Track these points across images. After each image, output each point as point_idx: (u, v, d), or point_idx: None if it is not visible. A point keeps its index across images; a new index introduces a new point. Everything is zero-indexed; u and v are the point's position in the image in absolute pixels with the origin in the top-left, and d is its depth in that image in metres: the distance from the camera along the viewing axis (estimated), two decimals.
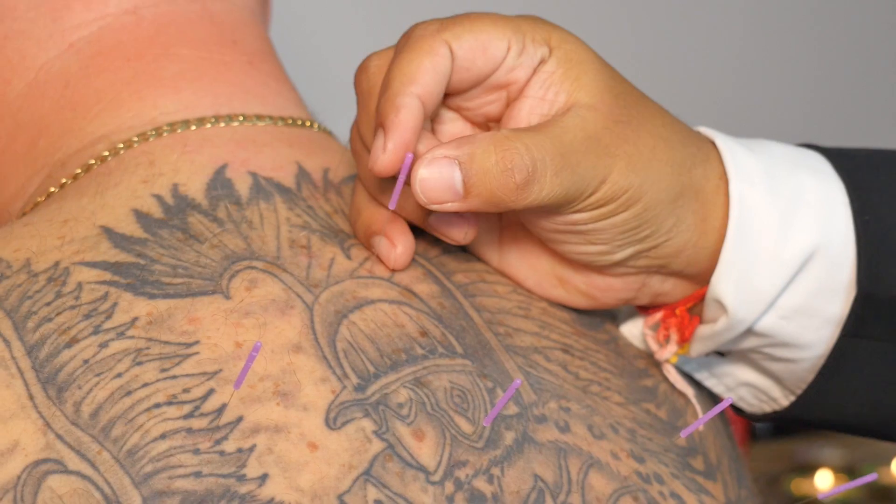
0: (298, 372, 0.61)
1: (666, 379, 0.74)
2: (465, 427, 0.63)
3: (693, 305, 0.72)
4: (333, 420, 0.60)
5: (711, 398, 0.77)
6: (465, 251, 0.72)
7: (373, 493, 0.59)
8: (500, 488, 0.62)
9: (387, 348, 0.64)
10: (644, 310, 0.74)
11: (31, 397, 0.59)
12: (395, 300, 0.66)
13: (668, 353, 0.72)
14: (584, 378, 0.69)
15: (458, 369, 0.65)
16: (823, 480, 1.68)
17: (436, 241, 0.70)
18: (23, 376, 0.60)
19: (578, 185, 0.63)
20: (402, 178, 0.63)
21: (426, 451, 0.61)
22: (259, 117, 0.73)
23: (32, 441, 0.58)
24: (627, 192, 0.65)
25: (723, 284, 0.68)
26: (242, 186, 0.68)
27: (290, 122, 0.74)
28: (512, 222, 0.71)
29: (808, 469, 1.71)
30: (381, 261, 0.67)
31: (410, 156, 0.63)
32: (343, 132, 0.74)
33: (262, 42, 0.78)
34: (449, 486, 0.61)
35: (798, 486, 1.69)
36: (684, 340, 0.72)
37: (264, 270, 0.65)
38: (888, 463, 1.68)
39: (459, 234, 0.67)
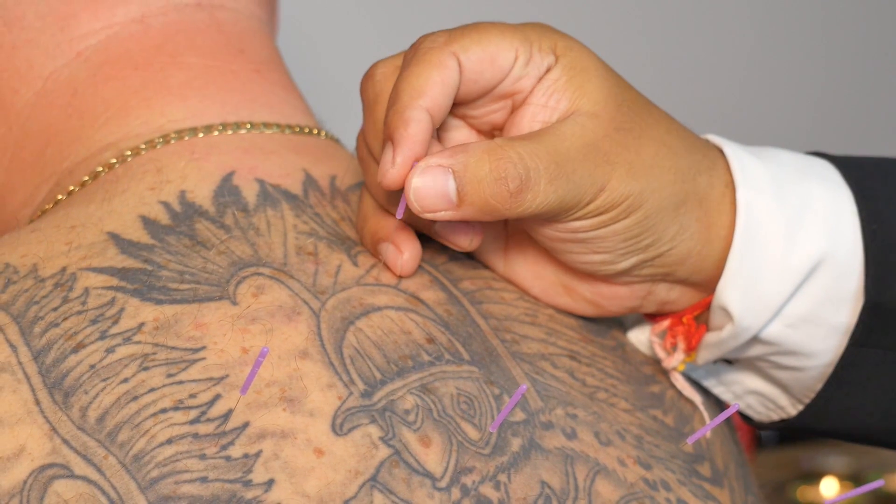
0: (305, 378, 0.61)
1: (673, 385, 0.74)
2: (472, 433, 0.63)
3: (700, 313, 0.72)
4: (340, 426, 0.60)
5: (718, 405, 0.77)
6: (471, 258, 0.72)
7: (379, 499, 0.59)
8: (507, 495, 0.62)
9: (393, 355, 0.64)
10: (651, 317, 0.74)
11: (38, 402, 0.59)
12: (401, 307, 0.66)
13: (675, 360, 0.72)
14: (591, 385, 0.69)
15: (464, 376, 0.65)
16: (829, 488, 1.68)
17: (442, 248, 0.71)
18: (29, 381, 0.60)
19: (575, 193, 0.63)
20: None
21: (432, 457, 0.61)
22: (266, 125, 0.73)
23: (38, 446, 0.58)
24: (628, 199, 0.65)
25: (729, 292, 0.68)
26: (250, 193, 0.69)
27: (297, 129, 0.74)
28: (518, 230, 0.71)
29: (814, 477, 1.70)
30: (387, 267, 0.68)
31: (417, 164, 0.63)
32: (350, 140, 0.74)
33: (269, 50, 0.78)
34: (455, 493, 0.61)
35: (804, 493, 1.69)
36: (691, 348, 0.72)
37: (271, 277, 0.65)
38: (894, 471, 1.68)
39: (465, 241, 0.67)
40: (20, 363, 0.60)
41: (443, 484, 0.61)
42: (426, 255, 0.69)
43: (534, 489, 0.63)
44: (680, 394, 0.74)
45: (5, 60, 0.74)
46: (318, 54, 1.53)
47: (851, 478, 1.68)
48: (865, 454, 1.69)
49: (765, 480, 1.67)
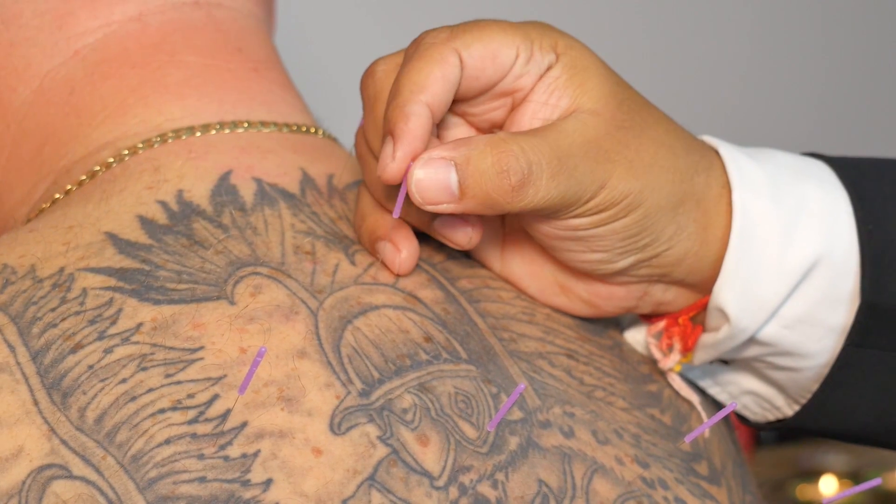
0: (303, 377, 0.61)
1: (670, 385, 0.74)
2: (470, 432, 0.63)
3: (696, 314, 0.72)
4: (338, 425, 0.60)
5: (715, 405, 0.77)
6: (468, 257, 0.72)
7: (377, 498, 0.59)
8: (505, 493, 0.62)
9: (391, 354, 0.64)
10: (647, 318, 0.74)
11: (36, 402, 0.59)
12: (399, 306, 0.66)
13: (671, 361, 0.72)
14: (589, 383, 0.69)
15: (462, 375, 0.65)
16: (828, 486, 1.68)
17: (440, 247, 0.71)
18: (27, 382, 0.60)
19: (576, 190, 0.63)
20: (405, 185, 0.64)
21: (430, 456, 0.61)
22: (264, 124, 0.73)
23: (37, 446, 0.58)
24: (627, 197, 0.65)
25: (725, 293, 0.68)
26: (247, 192, 0.69)
27: (294, 128, 0.74)
28: (515, 229, 0.71)
29: (813, 475, 1.70)
30: (385, 266, 0.68)
31: (419, 157, 0.63)
32: (348, 138, 0.74)
33: (267, 49, 0.78)
34: (453, 492, 0.61)
35: (803, 491, 1.69)
36: (687, 349, 0.72)
37: (269, 276, 0.65)
38: (893, 469, 1.68)
39: (464, 239, 0.68)
40: (18, 363, 0.60)
41: (441, 483, 0.61)
42: (424, 254, 0.69)
43: (531, 488, 0.63)
44: (677, 393, 0.74)
45: (3, 58, 0.74)
46: (316, 53, 1.53)
47: (851, 476, 1.68)
48: (865, 452, 1.69)
49: (764, 478, 1.67)
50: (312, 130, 0.75)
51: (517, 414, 0.65)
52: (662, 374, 0.74)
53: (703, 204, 0.67)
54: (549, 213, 0.65)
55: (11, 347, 0.61)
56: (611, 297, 0.71)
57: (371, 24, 1.57)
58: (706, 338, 0.71)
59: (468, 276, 0.70)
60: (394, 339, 0.65)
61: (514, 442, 0.64)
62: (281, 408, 0.60)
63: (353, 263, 0.67)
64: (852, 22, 1.87)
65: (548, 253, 0.70)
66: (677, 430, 0.71)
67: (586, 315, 0.72)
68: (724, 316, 0.68)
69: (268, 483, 0.58)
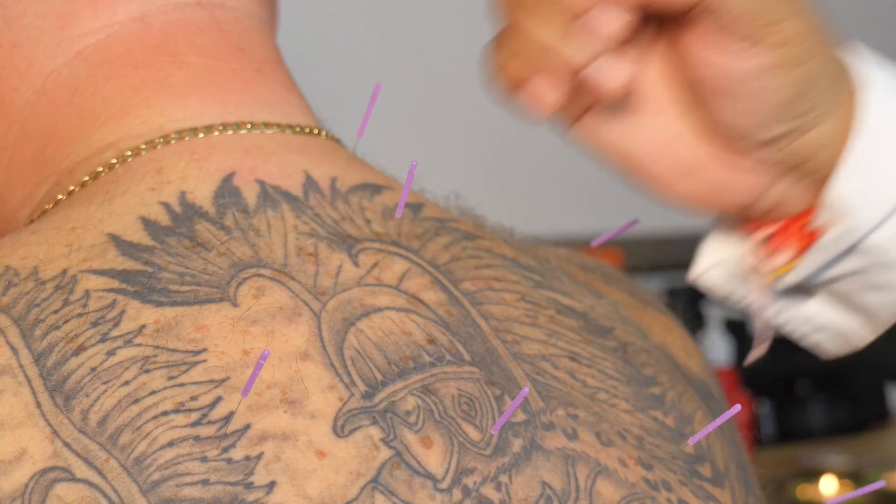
0: (306, 380, 0.61)
1: (673, 387, 0.74)
2: (473, 434, 0.63)
3: (810, 219, 0.72)
4: (341, 428, 0.60)
5: (720, 409, 0.77)
6: (472, 257, 0.72)
7: (380, 500, 0.59)
8: (508, 496, 0.62)
9: (394, 356, 0.64)
10: (745, 228, 0.73)
11: (39, 405, 0.59)
12: (402, 308, 0.66)
13: (780, 261, 0.71)
14: (592, 385, 0.69)
15: (465, 377, 0.65)
16: (828, 486, 1.68)
17: (444, 249, 0.71)
18: (30, 384, 0.60)
19: (771, 3, 0.64)
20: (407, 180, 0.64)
21: (434, 458, 0.61)
22: (267, 125, 0.73)
23: (40, 449, 0.58)
24: (810, 38, 0.65)
25: (848, 181, 0.68)
26: (250, 194, 0.68)
27: (298, 129, 0.74)
28: (660, 93, 0.70)
29: (814, 475, 1.71)
30: (531, 101, 0.65)
31: (414, 163, 0.63)
32: (350, 140, 0.74)
33: (270, 50, 0.78)
34: (457, 494, 0.61)
35: (803, 491, 1.69)
36: (804, 248, 0.71)
37: (272, 278, 0.65)
38: (893, 469, 1.68)
39: (614, 82, 0.65)
40: (21, 366, 0.60)
41: (444, 485, 0.61)
42: (427, 256, 0.69)
43: (535, 490, 0.63)
44: (680, 395, 0.73)
45: (5, 58, 0.74)
46: (319, 54, 1.53)
47: (851, 476, 1.69)
48: (865, 452, 1.69)
49: (764, 479, 1.67)
50: (315, 132, 0.75)
51: (520, 416, 0.65)
52: (666, 375, 0.74)
53: (850, 87, 0.68)
54: (741, 24, 0.64)
55: (14, 350, 0.61)
56: (734, 188, 0.70)
57: (373, 25, 1.57)
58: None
59: (472, 278, 0.70)
60: (397, 341, 0.65)
61: (517, 444, 0.64)
62: (284, 410, 0.60)
63: (356, 265, 0.67)
64: (853, 20, 1.87)
65: (688, 123, 0.69)
66: (680, 432, 0.71)
67: (704, 206, 0.71)
68: (841, 211, 0.68)
69: (271, 486, 0.58)
